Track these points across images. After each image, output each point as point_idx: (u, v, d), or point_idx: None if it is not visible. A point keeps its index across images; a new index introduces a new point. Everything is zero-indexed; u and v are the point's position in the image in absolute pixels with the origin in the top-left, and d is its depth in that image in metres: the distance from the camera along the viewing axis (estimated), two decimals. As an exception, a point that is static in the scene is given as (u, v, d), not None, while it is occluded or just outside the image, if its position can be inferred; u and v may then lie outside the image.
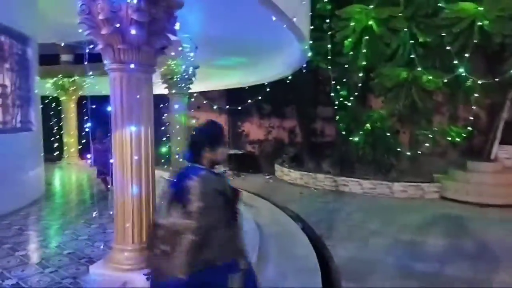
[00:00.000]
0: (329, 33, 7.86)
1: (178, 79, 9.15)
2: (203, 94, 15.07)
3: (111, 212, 4.58)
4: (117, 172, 3.89)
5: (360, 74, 8.64)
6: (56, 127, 13.48)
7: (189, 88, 9.61)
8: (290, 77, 9.07)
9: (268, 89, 9.40)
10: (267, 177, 13.44)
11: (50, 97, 13.61)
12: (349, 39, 8.83)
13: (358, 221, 7.87)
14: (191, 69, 9.29)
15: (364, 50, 8.73)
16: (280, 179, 12.81)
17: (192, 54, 7.42)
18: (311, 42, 7.37)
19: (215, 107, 14.82)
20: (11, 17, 6.56)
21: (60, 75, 12.82)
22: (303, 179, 11.66)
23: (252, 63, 8.75)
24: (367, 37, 8.61)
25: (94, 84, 13.20)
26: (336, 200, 9.80)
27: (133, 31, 3.56)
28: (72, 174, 11.49)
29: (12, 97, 7.03)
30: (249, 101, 11.04)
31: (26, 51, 7.31)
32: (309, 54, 7.45)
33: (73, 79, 12.89)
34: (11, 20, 6.52)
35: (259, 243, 5.98)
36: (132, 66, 3.73)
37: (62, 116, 13.32)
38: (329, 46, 7.54)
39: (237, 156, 14.51)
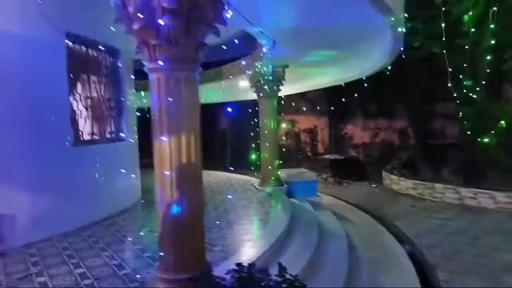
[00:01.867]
0: (443, 8, 6.28)
1: (266, 81, 8.56)
2: (302, 96, 14.30)
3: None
4: (157, 188, 3.36)
5: (488, 57, 6.70)
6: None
7: (279, 90, 8.93)
8: (390, 68, 7.60)
9: (366, 85, 8.09)
10: (374, 185, 11.88)
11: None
12: (470, 13, 6.93)
13: (489, 248, 6.03)
14: (280, 69, 8.64)
15: (493, 25, 6.73)
16: (389, 189, 11.15)
17: (266, 51, 6.65)
18: (412, 22, 5.92)
19: (317, 108, 13.91)
20: (100, 31, 6.77)
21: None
22: (417, 189, 9.86)
23: (345, 56, 7.60)
24: (495, 8, 6.60)
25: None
26: (459, 217, 7.90)
27: (161, 21, 2.98)
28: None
29: (103, 109, 7.35)
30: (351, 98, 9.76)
31: (117, 64, 7.56)
32: (402, 38, 6.04)
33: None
34: (100, 34, 6.75)
35: (346, 271, 4.91)
36: (161, 63, 3.16)
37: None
38: (442, 25, 5.96)
39: (339, 162, 13.27)
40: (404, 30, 5.49)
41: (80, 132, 6.63)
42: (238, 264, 3.50)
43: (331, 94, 12.49)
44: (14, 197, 5.18)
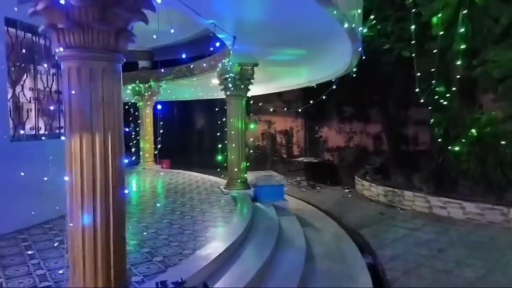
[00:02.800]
0: (413, 10, 5.98)
1: (233, 79, 8.17)
2: (279, 96, 13.95)
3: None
4: (67, 193, 2.93)
5: (459, 62, 6.43)
6: (134, 133, 13.77)
7: (247, 90, 8.54)
8: (356, 70, 7.29)
9: (335, 87, 7.76)
10: (346, 190, 11.61)
11: (129, 103, 13.99)
12: (438, 15, 6.65)
13: (453, 262, 5.77)
14: (249, 67, 8.25)
15: (463, 29, 6.46)
16: (360, 194, 10.89)
17: (229, 47, 6.24)
18: (382, 23, 5.61)
19: (293, 109, 13.58)
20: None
21: (138, 81, 13.00)
22: (387, 197, 9.61)
23: (313, 55, 7.25)
24: (465, 11, 6.33)
25: (165, 89, 13.21)
26: (426, 227, 7.65)
27: (62, 1, 2.56)
28: (144, 178, 11.37)
29: (50, 102, 6.84)
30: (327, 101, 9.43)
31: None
32: (360, 37, 5.72)
33: (148, 84, 12.96)
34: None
35: (298, 283, 4.56)
36: (71, 51, 2.75)
37: (139, 121, 13.54)
38: (412, 27, 5.67)
39: (313, 165, 12.96)
40: (362, 30, 5.22)
41: (21, 126, 6.13)
42: (162, 282, 3.09)
43: (307, 95, 12.18)
44: None
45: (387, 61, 8.69)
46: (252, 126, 10.43)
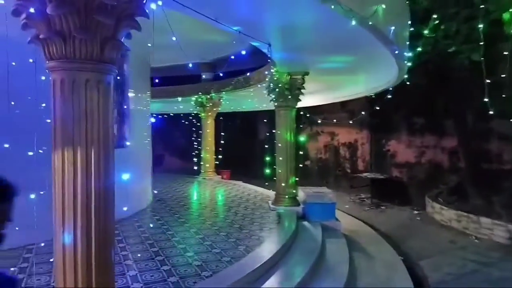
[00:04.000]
0: (481, 6, 4.97)
1: (281, 88, 7.79)
2: (342, 106, 13.16)
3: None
4: (54, 210, 2.82)
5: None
6: (196, 143, 14.09)
7: (298, 100, 8.08)
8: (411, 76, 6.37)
9: (389, 96, 6.91)
10: (415, 212, 10.37)
11: (193, 114, 14.38)
12: (510, 9, 5.42)
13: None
14: (298, 76, 7.80)
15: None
16: (430, 218, 9.62)
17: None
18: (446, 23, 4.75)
19: (358, 120, 12.71)
20: None
21: (200, 93, 13.30)
22: (461, 222, 8.31)
23: (363, 62, 6.54)
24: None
25: (225, 100, 13.29)
26: (503, 262, 6.36)
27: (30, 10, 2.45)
28: (198, 188, 11.48)
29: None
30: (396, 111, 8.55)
31: (123, 67, 7.33)
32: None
33: (210, 95, 13.18)
34: None
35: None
36: (56, 62, 2.64)
37: (201, 132, 13.81)
38: (480, 26, 4.71)
39: (379, 182, 11.87)
40: (406, 32, 4.45)
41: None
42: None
43: (372, 105, 11.25)
44: None
45: (461, 65, 7.53)
46: (302, 138, 9.84)
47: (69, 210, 2.72)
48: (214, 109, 13.48)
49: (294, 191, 8.24)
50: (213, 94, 13.11)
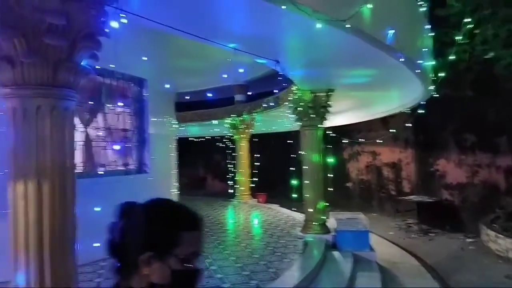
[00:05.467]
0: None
1: (305, 107, 7.33)
2: (383, 123, 12.28)
3: None
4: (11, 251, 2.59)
5: None
6: (231, 166, 13.87)
7: (323, 119, 7.55)
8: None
9: (421, 111, 6.14)
10: (468, 240, 9.17)
11: (226, 137, 14.26)
12: None
13: None
14: (323, 94, 7.31)
15: None
16: (485, 247, 8.41)
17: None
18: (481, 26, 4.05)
19: (400, 138, 11.82)
20: (128, 64, 6.53)
21: (233, 115, 13.17)
22: (522, 254, 7.12)
23: (388, 76, 5.89)
24: None
25: (257, 121, 13.00)
26: None
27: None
28: (228, 213, 11.16)
29: (131, 140, 7.14)
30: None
31: (142, 93, 7.33)
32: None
33: (242, 117, 12.99)
34: (128, 67, 6.54)
35: None
36: (5, 88, 2.46)
37: (235, 154, 13.60)
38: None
39: (427, 205, 10.75)
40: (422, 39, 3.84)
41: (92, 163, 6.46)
42: None
43: (416, 121, 10.35)
44: None
45: (510, 73, 6.57)
46: (331, 160, 9.18)
47: (20, 249, 2.49)
48: (247, 130, 13.25)
49: (323, 217, 7.61)
50: (245, 116, 12.90)
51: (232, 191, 13.45)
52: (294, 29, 3.97)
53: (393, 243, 9.23)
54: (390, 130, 8.27)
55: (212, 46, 4.39)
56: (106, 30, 2.72)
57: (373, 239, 7.81)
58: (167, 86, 8.09)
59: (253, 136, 13.68)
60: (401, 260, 7.82)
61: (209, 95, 10.94)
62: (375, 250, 7.21)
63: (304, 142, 7.63)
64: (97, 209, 5.43)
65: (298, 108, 7.38)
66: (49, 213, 2.52)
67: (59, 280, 2.55)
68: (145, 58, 6.79)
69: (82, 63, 2.69)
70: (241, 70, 4.73)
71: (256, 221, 9.82)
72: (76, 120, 6.28)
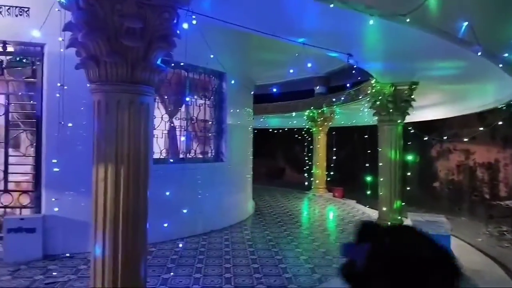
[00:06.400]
0: None
1: (383, 101, 6.99)
2: (479, 119, 11.05)
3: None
4: (92, 225, 3.01)
5: None
6: (307, 158, 13.82)
7: (405, 114, 7.11)
8: None
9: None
10: None
11: (305, 129, 14.19)
12: None
13: None
14: (405, 87, 6.89)
15: None
16: None
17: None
18: None
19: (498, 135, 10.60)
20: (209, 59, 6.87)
21: (312, 107, 13.07)
22: None
23: (476, 66, 5.22)
24: None
25: (337, 114, 12.68)
26: None
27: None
28: (303, 205, 11.18)
29: (210, 130, 7.58)
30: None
31: (222, 86, 7.69)
32: None
33: (321, 110, 12.81)
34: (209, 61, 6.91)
35: None
36: (97, 84, 2.84)
37: (312, 147, 13.50)
38: None
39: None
40: None
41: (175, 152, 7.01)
42: None
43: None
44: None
45: None
46: (410, 157, 8.57)
47: (99, 224, 2.88)
48: (326, 123, 13.04)
49: (399, 217, 7.23)
50: (324, 108, 12.70)
51: (307, 183, 13.41)
52: (366, 23, 3.82)
53: (480, 250, 8.36)
54: (481, 128, 7.45)
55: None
56: (178, 31, 2.94)
57: (458, 245, 7.20)
58: (246, 79, 8.36)
59: (331, 129, 13.42)
60: (485, 269, 7.06)
61: (288, 88, 11.01)
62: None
63: (382, 137, 7.29)
64: (177, 192, 5.96)
65: (377, 102, 7.05)
66: (124, 193, 2.86)
67: (130, 254, 2.90)
68: (225, 54, 7.11)
69: (157, 62, 2.97)
70: (309, 65, 4.62)
71: (330, 216, 9.70)
72: (162, 111, 6.90)
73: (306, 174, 13.44)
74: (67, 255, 5.36)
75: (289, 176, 19.49)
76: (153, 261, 5.18)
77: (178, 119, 7.11)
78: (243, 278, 4.71)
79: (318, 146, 13.12)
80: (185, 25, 3.29)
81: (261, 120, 15.28)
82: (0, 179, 5.69)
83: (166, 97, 6.78)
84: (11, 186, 5.74)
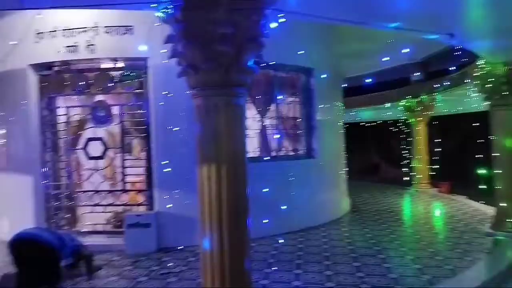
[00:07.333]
0: None
1: (497, 83, 6.20)
2: None
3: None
4: (199, 219, 3.23)
5: None
6: (406, 152, 12.93)
7: (523, 96, 6.20)
8: None
9: None
10: None
11: (402, 120, 13.29)
12: None
13: None
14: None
15: None
16: None
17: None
18: None
19: None
20: (296, 55, 6.91)
21: (408, 96, 12.18)
22: None
23: None
24: None
25: (439, 102, 11.59)
26: None
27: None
28: (403, 201, 10.48)
29: (300, 127, 7.58)
30: None
31: (310, 82, 7.62)
32: None
33: (419, 98, 11.86)
34: (296, 58, 6.94)
35: None
36: (198, 89, 3.04)
37: (410, 139, 12.56)
38: None
39: None
40: None
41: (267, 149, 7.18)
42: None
43: None
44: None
45: None
46: None
47: (205, 219, 3.08)
48: (425, 113, 12.02)
49: (522, 213, 6.34)
50: (423, 97, 11.73)
51: (407, 178, 12.53)
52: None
53: None
54: None
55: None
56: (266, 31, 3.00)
57: None
58: (334, 72, 8.15)
59: (432, 118, 12.34)
60: None
61: (381, 77, 10.44)
62: None
63: (496, 124, 6.47)
64: (270, 190, 6.08)
65: (487, 85, 6.28)
66: (226, 190, 3.02)
67: (235, 247, 3.04)
68: (311, 49, 7.06)
69: (249, 64, 3.07)
70: (406, 50, 4.29)
71: (436, 213, 8.93)
72: (253, 111, 7.11)
73: (404, 169, 12.59)
74: (178, 248, 5.85)
75: (385, 172, 18.46)
76: (253, 256, 5.36)
77: (269, 118, 7.25)
78: (345, 276, 4.60)
79: (418, 137, 12.16)
80: (273, 25, 3.33)
81: (352, 114, 14.74)
82: (119, 181, 6.48)
83: (256, 97, 6.97)
84: (128, 186, 6.50)
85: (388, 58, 7.43)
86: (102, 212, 6.49)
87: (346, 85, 10.26)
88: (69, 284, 4.61)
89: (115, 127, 6.67)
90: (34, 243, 4.64)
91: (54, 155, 6.54)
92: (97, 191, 6.45)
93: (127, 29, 5.98)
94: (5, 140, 7.14)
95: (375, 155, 19.41)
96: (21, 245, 4.66)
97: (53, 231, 5.45)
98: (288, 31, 3.96)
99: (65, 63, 6.28)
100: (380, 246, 5.86)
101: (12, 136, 6.98)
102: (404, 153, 13.06)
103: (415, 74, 12.45)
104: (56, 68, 6.42)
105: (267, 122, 7.21)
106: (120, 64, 6.34)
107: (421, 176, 12.21)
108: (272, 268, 4.96)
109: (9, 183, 7.03)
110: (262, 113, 7.21)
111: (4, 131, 7.16)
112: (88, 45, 5.96)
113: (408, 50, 4.50)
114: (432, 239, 6.37)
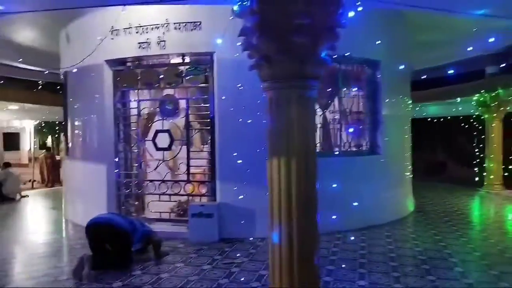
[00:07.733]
0: None
1: None
2: None
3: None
4: (269, 213, 3.24)
5: None
6: (477, 150, 11.99)
7: None
8: None
9: None
10: None
11: (474, 116, 12.33)
12: None
13: None
14: None
15: None
16: None
17: None
18: None
19: None
20: (362, 47, 6.68)
21: (483, 91, 11.27)
22: None
23: None
24: None
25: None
26: None
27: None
28: (473, 204, 9.75)
29: (364, 122, 7.33)
30: None
31: (375, 75, 7.31)
32: None
33: (495, 93, 10.92)
34: (361, 50, 6.71)
35: None
36: (269, 82, 3.03)
37: (483, 137, 11.62)
38: None
39: None
40: None
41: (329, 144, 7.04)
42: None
43: None
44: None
45: None
46: None
47: (275, 212, 3.07)
48: (501, 108, 11.05)
49: None
50: (500, 91, 10.78)
51: (478, 179, 11.64)
52: None
53: None
54: None
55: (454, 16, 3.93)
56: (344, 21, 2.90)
57: None
58: (402, 66, 7.74)
59: (509, 115, 11.31)
60: None
61: (451, 71, 9.73)
62: None
63: None
64: (334, 185, 5.95)
65: None
66: (296, 184, 2.99)
67: (304, 242, 3.00)
68: (379, 42, 6.76)
69: (322, 55, 2.99)
70: (491, 39, 3.95)
71: (510, 216, 8.21)
72: (316, 105, 6.99)
73: (475, 168, 11.68)
74: (239, 239, 5.97)
75: (452, 171, 17.28)
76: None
77: (332, 112, 7.10)
78: (414, 279, 4.38)
79: (492, 135, 11.22)
80: (351, 13, 3.22)
81: (417, 109, 13.97)
82: (184, 172, 6.74)
83: (319, 90, 6.83)
84: (191, 177, 6.74)
85: (471, 48, 6.85)
86: (167, 201, 6.80)
87: (411, 78, 9.75)
88: (138, 268, 4.89)
89: (181, 120, 6.94)
90: (110, 227, 4.99)
91: (126, 145, 6.96)
92: (163, 181, 6.76)
93: (195, 25, 6.15)
94: (82, 131, 7.75)
95: (442, 153, 18.24)
96: (97, 228, 5.04)
97: (125, 216, 5.83)
98: (354, 22, 3.81)
99: (138, 58, 6.63)
100: (450, 249, 5.51)
101: (88, 127, 7.55)
102: (474, 152, 12.13)
103: (490, 66, 11.49)
104: (129, 64, 6.80)
105: (329, 116, 7.06)
106: (188, 59, 6.55)
107: (494, 176, 11.28)
108: (334, 266, 4.87)
109: (84, 171, 7.63)
110: (324, 107, 7.07)
111: (81, 122, 7.77)
112: (159, 41, 6.23)
113: (493, 39, 4.10)
114: (508, 244, 5.86)
